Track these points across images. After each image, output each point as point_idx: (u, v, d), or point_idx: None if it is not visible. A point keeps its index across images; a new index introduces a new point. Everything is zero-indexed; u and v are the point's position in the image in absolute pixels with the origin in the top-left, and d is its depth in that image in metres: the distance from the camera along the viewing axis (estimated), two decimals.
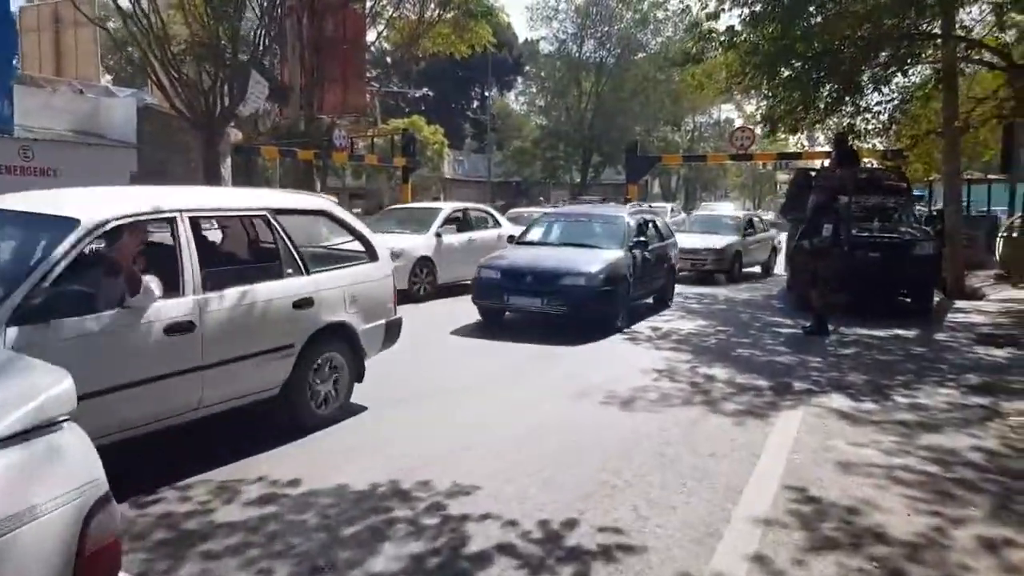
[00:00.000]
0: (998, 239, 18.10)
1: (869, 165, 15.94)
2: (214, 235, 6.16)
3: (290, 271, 5.34)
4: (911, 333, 10.10)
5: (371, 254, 6.13)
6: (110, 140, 19.73)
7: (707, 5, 12.71)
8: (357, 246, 6.25)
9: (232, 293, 4.88)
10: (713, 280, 16.01)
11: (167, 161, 21.15)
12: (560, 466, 4.76)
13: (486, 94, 54.68)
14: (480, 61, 50.46)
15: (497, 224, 14.78)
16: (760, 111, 15.63)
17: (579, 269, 9.47)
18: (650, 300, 11.77)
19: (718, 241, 16.22)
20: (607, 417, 5.93)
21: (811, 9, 12.26)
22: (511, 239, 11.45)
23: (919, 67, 16.32)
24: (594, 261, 9.65)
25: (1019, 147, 17.98)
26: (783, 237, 17.05)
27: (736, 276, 16.41)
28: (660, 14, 42.57)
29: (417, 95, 39.65)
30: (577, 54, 45.04)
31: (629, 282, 9.99)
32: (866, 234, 11.46)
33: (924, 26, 13.46)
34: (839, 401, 6.48)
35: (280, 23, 21.51)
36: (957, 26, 13.97)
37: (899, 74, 14.80)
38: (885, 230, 11.70)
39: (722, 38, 12.52)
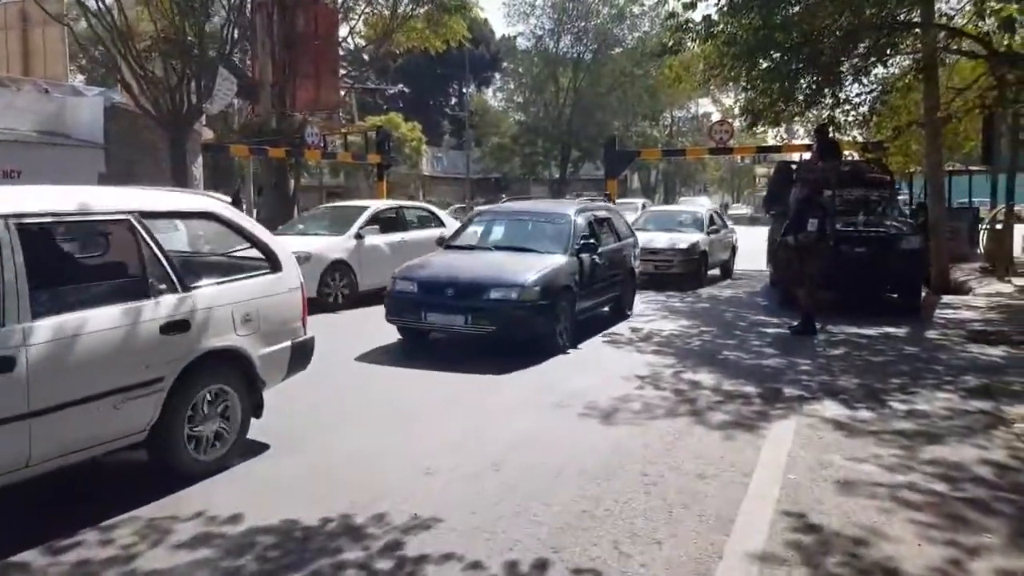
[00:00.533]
0: (981, 231, 17.88)
1: (850, 157, 15.59)
2: (66, 247, 5.05)
3: (162, 287, 4.37)
4: (901, 331, 9.75)
5: (273, 263, 5.15)
6: (76, 140, 19.04)
7: None
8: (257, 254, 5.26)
9: (72, 319, 3.91)
10: (677, 285, 14.00)
11: (136, 161, 20.48)
12: (533, 494, 4.29)
13: (464, 91, 54.14)
14: (458, 57, 50.02)
15: (440, 224, 13.45)
16: (739, 104, 15.24)
17: (510, 279, 7.96)
18: (605, 310, 10.34)
19: (683, 239, 14.43)
20: (586, 432, 5.47)
21: (792, 1, 11.90)
22: (440, 242, 9.99)
23: (899, 58, 16.07)
24: (530, 269, 8.16)
25: (999, 138, 17.85)
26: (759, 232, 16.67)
27: (703, 279, 14.65)
28: (636, 9, 42.38)
29: (392, 91, 38.94)
30: (554, 50, 44.71)
31: (574, 292, 8.63)
32: (851, 228, 11.10)
33: (904, 15, 13.16)
34: (833, 409, 6.08)
35: (250, 18, 20.93)
36: (937, 15, 13.69)
37: (879, 64, 14.53)
38: (870, 224, 11.35)
39: (699, 28, 12.09)
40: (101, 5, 16.60)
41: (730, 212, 46.53)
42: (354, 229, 11.79)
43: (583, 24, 44.11)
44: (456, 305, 7.89)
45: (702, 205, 20.98)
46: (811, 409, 6.09)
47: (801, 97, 14.12)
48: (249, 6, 20.77)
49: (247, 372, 4.83)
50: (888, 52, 13.88)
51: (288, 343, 5.15)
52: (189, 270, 4.73)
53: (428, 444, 5.21)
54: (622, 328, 9.79)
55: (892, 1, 12.69)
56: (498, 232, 9.98)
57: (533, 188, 50.35)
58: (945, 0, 15.46)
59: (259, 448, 5.04)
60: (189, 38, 18.04)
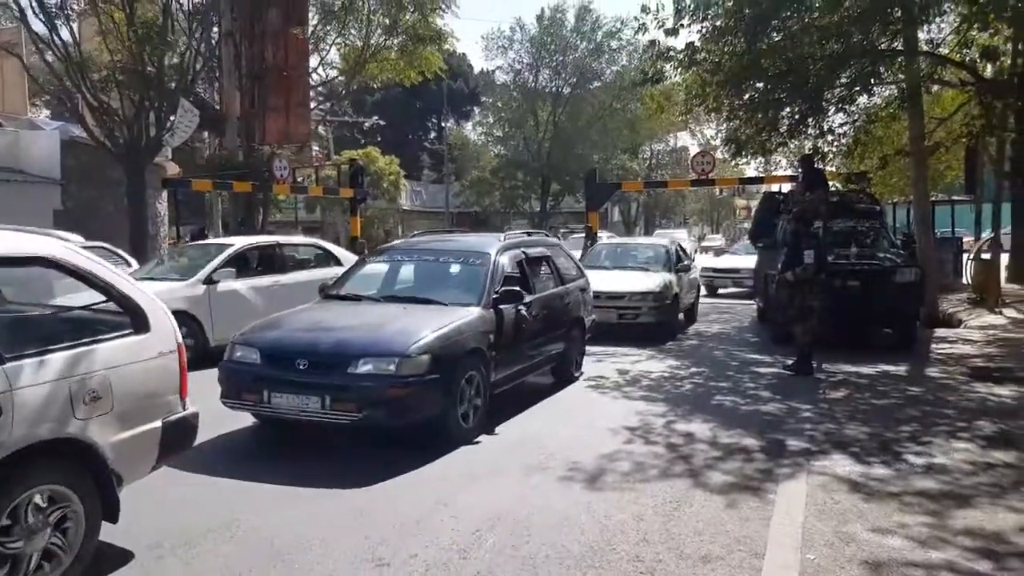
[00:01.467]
0: (967, 262, 17.56)
1: (834, 188, 15.25)
2: None
3: None
4: (901, 369, 9.23)
5: (137, 320, 4.00)
6: (30, 176, 18.32)
7: (664, 23, 11.93)
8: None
9: None
10: (646, 336, 11.30)
11: (97, 197, 19.76)
12: None
13: (443, 124, 54.02)
14: (437, 92, 50.02)
15: (336, 263, 11.20)
16: (721, 134, 14.83)
17: (387, 345, 5.84)
18: (549, 375, 8.36)
19: (651, 280, 11.65)
20: (568, 503, 4.80)
21: (775, 23, 11.56)
22: (321, 289, 7.67)
23: (882, 88, 15.85)
24: (421, 329, 6.03)
25: (982, 167, 17.65)
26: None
27: (676, 329, 12.38)
28: (614, 43, 42.47)
29: (368, 125, 38.56)
30: (533, 84, 44.63)
31: (488, 358, 6.54)
32: (843, 261, 10.62)
33: (887, 43, 12.90)
34: (845, 464, 5.48)
35: (216, 49, 20.44)
36: (921, 43, 13.45)
37: (863, 93, 14.24)
38: (863, 256, 10.90)
39: (681, 56, 11.72)
40: (55, 37, 15.97)
41: (703, 244, 46.38)
42: (203, 273, 9.85)
43: (561, 58, 44.12)
44: (310, 382, 5.72)
45: (676, 238, 19.83)
46: (821, 466, 5.48)
47: (785, 127, 13.81)
48: (216, 36, 20.28)
49: (95, 467, 3.70)
50: (872, 81, 13.58)
51: (158, 423, 4.02)
52: (12, 333, 3.72)
53: (381, 530, 4.52)
54: (608, 370, 9.17)
55: (877, 29, 12.42)
56: (397, 276, 7.94)
57: (514, 222, 50.03)
58: (928, 30, 15.28)
59: (117, 560, 3.96)
60: (148, 68, 17.45)
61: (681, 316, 12.97)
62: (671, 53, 12.35)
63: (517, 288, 7.02)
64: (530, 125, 45.18)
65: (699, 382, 8.65)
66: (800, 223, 9.05)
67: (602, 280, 11.12)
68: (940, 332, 12.14)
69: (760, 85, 12.30)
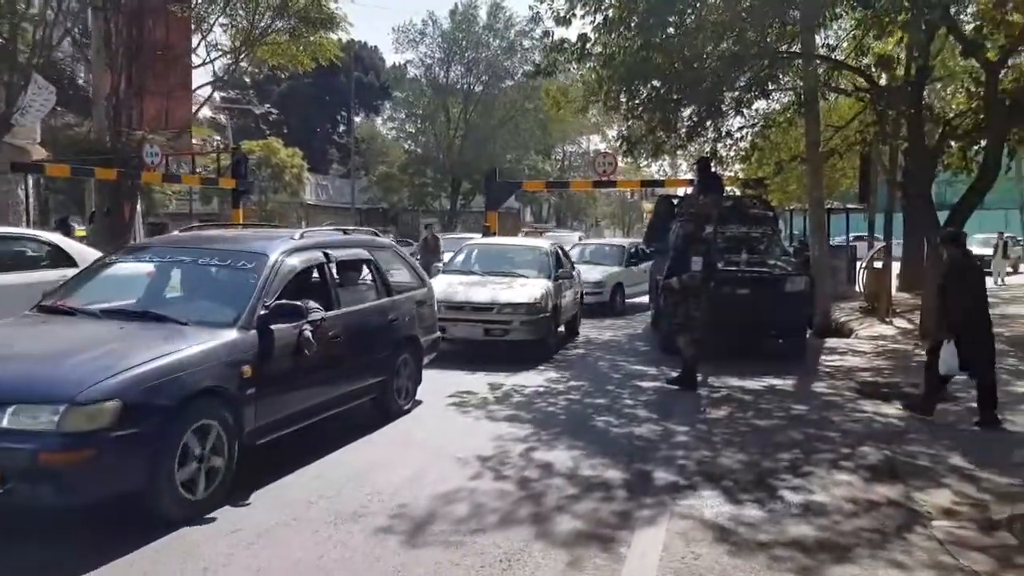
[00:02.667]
0: (860, 271, 17.62)
1: (731, 193, 14.92)
2: None
3: None
4: (787, 383, 8.75)
5: None
6: None
7: (557, 12, 11.21)
8: None
9: None
10: (516, 356, 9.67)
11: None
12: None
13: (352, 117, 52.38)
14: (347, 85, 48.44)
15: (68, 263, 7.90)
16: (621, 133, 14.21)
17: (46, 387, 4.08)
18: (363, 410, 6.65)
19: (523, 289, 10.02)
20: (375, 566, 3.92)
21: (670, 19, 11.00)
22: (43, 299, 5.64)
23: (780, 94, 15.66)
24: (119, 361, 4.33)
25: (876, 176, 17.75)
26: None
27: (553, 347, 10.56)
28: (527, 42, 41.86)
29: (259, 112, 36.73)
30: (444, 80, 43.60)
31: (237, 398, 4.80)
32: (734, 268, 10.13)
33: (785, 46, 12.59)
34: (713, 504, 4.79)
35: (85, 23, 18.67)
36: (818, 48, 13.21)
37: (760, 97, 13.92)
38: (753, 263, 10.42)
39: (575, 48, 11.01)
40: None
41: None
42: None
43: (473, 55, 43.26)
44: None
45: (565, 240, 18.71)
46: (687, 506, 4.77)
47: (684, 128, 13.34)
48: (80, 7, 18.48)
49: None
50: (769, 85, 13.25)
51: None
52: None
53: None
54: (478, 384, 8.32)
55: (774, 31, 12.06)
56: (139, 283, 6.10)
57: (423, 219, 48.93)
58: (826, 35, 15.13)
59: None
60: None
61: (562, 329, 11.58)
62: (564, 45, 11.64)
63: (296, 303, 5.21)
64: (441, 122, 44.17)
65: (575, 398, 7.91)
66: (691, 228, 8.44)
67: (467, 289, 10.04)
68: (831, 342, 11.88)
69: (656, 83, 11.72)
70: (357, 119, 55.60)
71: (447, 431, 6.56)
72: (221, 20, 19.82)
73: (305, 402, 5.57)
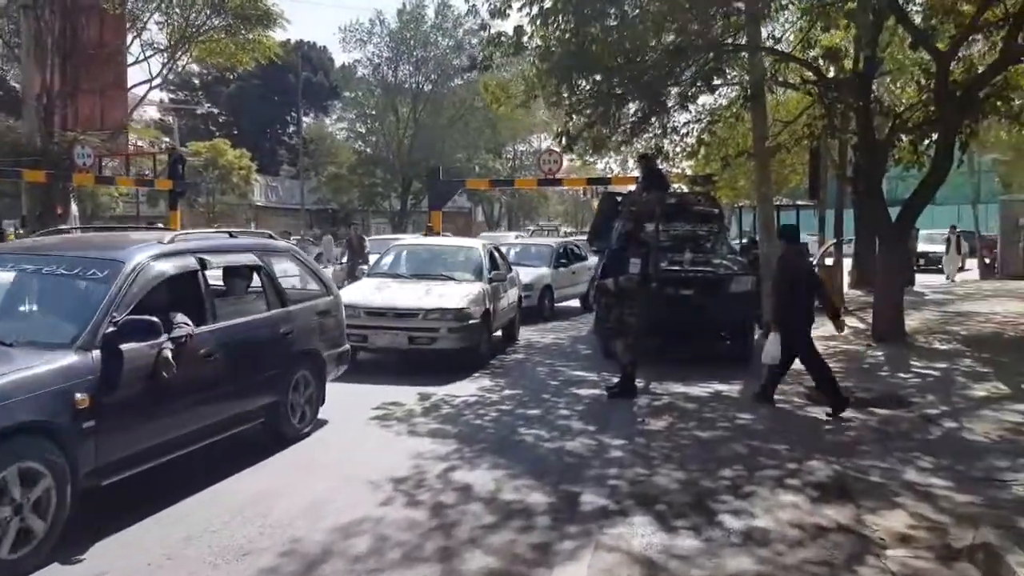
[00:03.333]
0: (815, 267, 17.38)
1: (678, 190, 14.53)
2: None
3: None
4: (734, 389, 8.31)
5: None
6: None
7: (494, 4, 10.64)
8: None
9: None
10: (442, 367, 8.88)
11: None
12: None
13: (299, 118, 51.23)
14: (296, 85, 47.32)
15: None
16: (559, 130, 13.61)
17: None
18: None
19: (451, 294, 9.22)
20: None
21: (609, 10, 10.52)
22: None
23: (726, 89, 15.34)
24: None
25: (825, 171, 17.58)
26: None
27: (485, 357, 9.63)
28: (475, 40, 41.27)
29: (201, 112, 35.61)
30: (392, 79, 42.75)
31: (69, 433, 4.05)
32: (677, 268, 9.69)
33: (730, 38, 12.23)
34: (644, 533, 4.27)
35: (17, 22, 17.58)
36: (764, 40, 12.89)
37: (706, 91, 13.55)
38: (698, 263, 9.99)
39: (511, 40, 10.45)
40: None
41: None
42: None
43: (422, 54, 42.52)
44: None
45: (501, 240, 17.58)
46: (614, 535, 4.25)
47: (627, 124, 12.89)
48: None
49: None
50: (715, 79, 12.88)
51: None
52: None
53: None
54: (407, 395, 7.70)
55: (719, 22, 11.70)
56: None
57: (373, 219, 48.03)
58: (772, 28, 14.86)
59: None
60: None
61: (499, 334, 10.88)
62: (501, 39, 11.07)
63: (151, 318, 4.38)
64: (390, 121, 43.34)
65: (507, 409, 7.35)
66: (630, 226, 7.95)
67: (391, 293, 9.24)
68: None
69: (597, 77, 11.23)
70: (307, 119, 54.45)
71: (360, 451, 5.95)
72: (156, 18, 18.92)
73: (167, 433, 4.75)
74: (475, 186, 27.41)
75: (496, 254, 11.28)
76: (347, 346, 7.15)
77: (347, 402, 6.98)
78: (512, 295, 11.39)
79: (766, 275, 12.67)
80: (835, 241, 17.34)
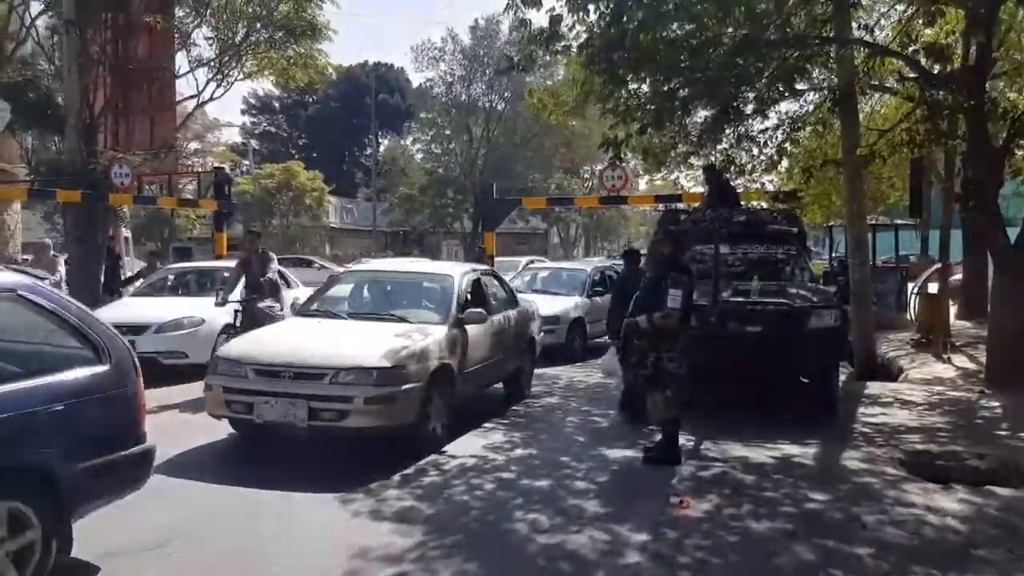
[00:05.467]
0: (911, 295, 15.21)
1: (756, 207, 12.70)
2: None
3: None
4: (808, 453, 6.57)
5: None
6: None
7: None
8: None
9: None
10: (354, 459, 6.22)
11: None
12: None
13: (377, 139, 51.46)
14: (377, 107, 47.50)
15: None
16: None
17: None
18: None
19: (380, 345, 6.33)
20: None
21: None
22: None
23: (812, 95, 13.44)
24: None
25: (929, 185, 15.38)
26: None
27: (425, 438, 6.45)
28: (550, 57, 40.08)
29: (281, 135, 35.54)
30: (465, 97, 42.04)
31: None
32: (741, 299, 7.99)
33: (817, 31, 10.50)
34: None
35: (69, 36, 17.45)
36: (856, 31, 11.07)
37: (787, 94, 11.78)
38: (768, 292, 8.24)
39: (545, 31, 9.03)
40: None
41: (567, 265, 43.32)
42: None
43: (495, 71, 41.76)
44: None
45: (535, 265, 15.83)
46: None
47: (694, 133, 11.25)
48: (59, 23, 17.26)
49: None
50: (796, 77, 11.12)
51: None
52: None
53: None
54: (387, 454, 6.31)
55: (801, 17, 10.04)
56: None
57: (445, 241, 47.36)
58: (863, 22, 12.93)
59: None
60: None
61: (500, 386, 8.57)
62: (543, 35, 9.67)
63: None
64: (463, 140, 42.63)
65: (509, 478, 5.82)
66: (668, 248, 6.36)
67: (293, 343, 6.57)
68: (874, 387, 9.63)
69: (651, 74, 9.67)
70: (384, 141, 54.59)
71: (290, 540, 4.56)
72: (206, 33, 18.43)
73: None
74: (531, 205, 26.03)
75: (492, 283, 8.83)
76: (144, 446, 4.26)
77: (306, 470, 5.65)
78: (523, 335, 8.94)
79: (857, 305, 10.85)
80: (940, 265, 15.11)
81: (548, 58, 10.12)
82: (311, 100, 59.22)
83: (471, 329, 7.33)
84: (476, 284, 8.13)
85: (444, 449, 6.47)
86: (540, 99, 12.40)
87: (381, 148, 53.14)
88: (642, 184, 33.88)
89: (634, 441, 6.82)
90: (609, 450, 6.61)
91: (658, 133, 10.05)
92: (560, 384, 9.98)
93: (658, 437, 6.35)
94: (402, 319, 7.21)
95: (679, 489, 5.51)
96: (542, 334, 9.95)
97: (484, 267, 9.86)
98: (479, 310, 7.46)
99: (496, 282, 9.09)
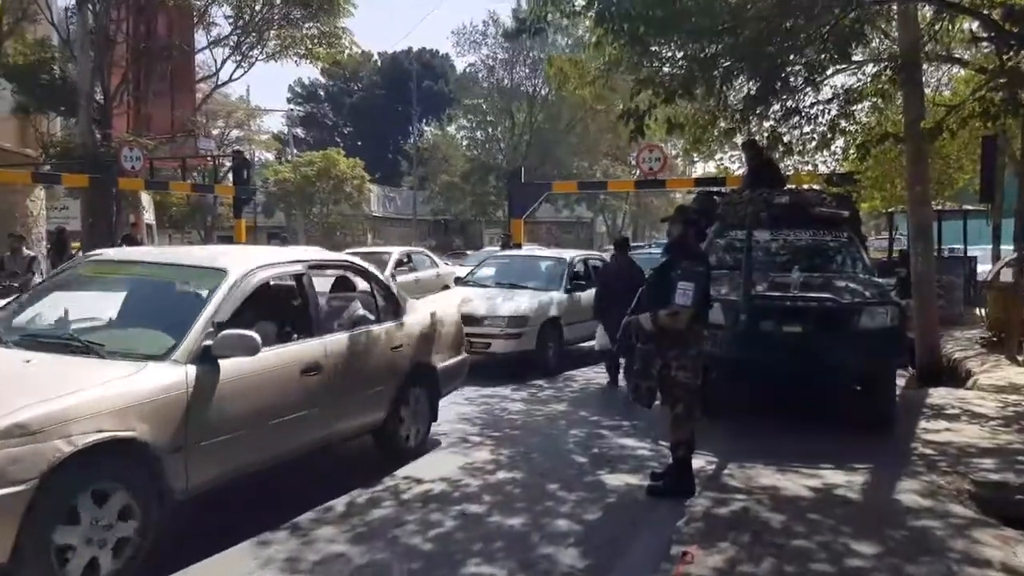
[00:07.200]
0: (983, 291, 13.66)
1: (801, 189, 11.32)
2: None
3: None
4: (854, 484, 5.36)
5: None
6: None
7: None
8: None
9: None
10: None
11: None
12: None
13: (416, 126, 50.69)
14: (420, 94, 46.75)
15: None
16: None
17: None
18: None
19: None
20: None
21: None
22: None
23: (868, 66, 11.98)
24: None
25: (1003, 167, 13.85)
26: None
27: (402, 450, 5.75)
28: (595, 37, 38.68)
29: (281, 112, 35.12)
30: (508, 82, 40.92)
31: None
32: (778, 294, 6.77)
33: None
34: None
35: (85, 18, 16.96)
36: None
37: (841, 61, 10.39)
38: (813, 286, 6.99)
39: None
40: None
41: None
42: None
43: (539, 54, 40.51)
44: None
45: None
46: None
47: (736, 106, 9.98)
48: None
49: None
50: (852, 44, 9.73)
51: None
52: None
53: None
54: (363, 470, 5.32)
55: None
56: None
57: (487, 229, 46.39)
58: None
59: None
60: None
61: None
62: None
63: None
64: (505, 127, 41.56)
65: (478, 512, 4.74)
66: (678, 231, 5.20)
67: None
68: (938, 394, 8.29)
69: (678, 37, 8.44)
70: (428, 128, 53.83)
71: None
72: (226, 11, 17.80)
73: None
74: (561, 189, 24.80)
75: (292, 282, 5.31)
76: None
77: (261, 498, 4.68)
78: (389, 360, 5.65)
79: (919, 300, 9.52)
80: (1017, 255, 13.51)
81: (565, 21, 8.96)
82: (356, 88, 58.94)
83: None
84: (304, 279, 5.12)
85: (413, 468, 5.45)
86: (561, 68, 11.21)
87: (424, 135, 52.37)
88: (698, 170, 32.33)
89: (643, 462, 5.70)
90: (609, 475, 5.48)
91: (691, 103, 8.83)
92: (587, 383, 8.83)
93: (659, 472, 5.23)
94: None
95: (684, 534, 4.37)
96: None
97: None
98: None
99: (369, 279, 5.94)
